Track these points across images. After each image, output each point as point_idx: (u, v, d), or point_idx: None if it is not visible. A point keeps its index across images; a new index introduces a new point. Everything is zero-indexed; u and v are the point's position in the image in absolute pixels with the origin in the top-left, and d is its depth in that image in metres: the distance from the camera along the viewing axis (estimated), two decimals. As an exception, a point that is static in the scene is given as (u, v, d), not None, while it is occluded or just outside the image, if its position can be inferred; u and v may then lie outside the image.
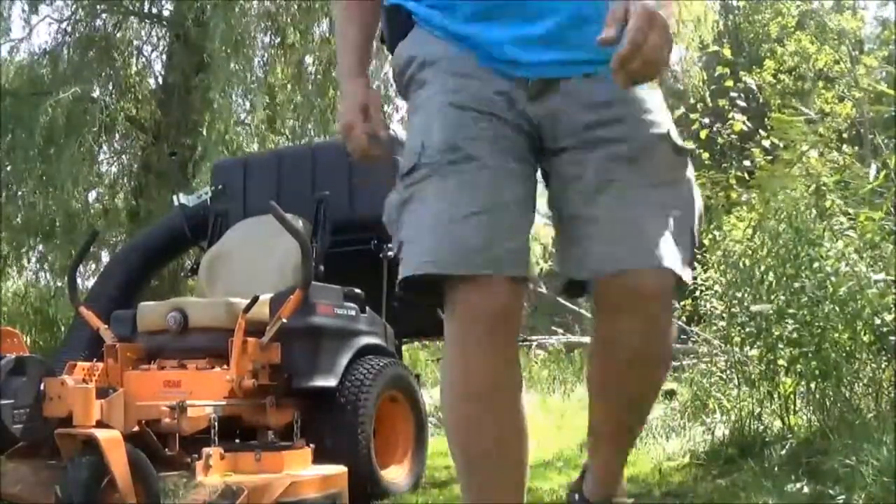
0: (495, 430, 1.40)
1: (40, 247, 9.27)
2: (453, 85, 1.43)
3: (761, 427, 3.67)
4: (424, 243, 1.37)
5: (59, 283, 8.92)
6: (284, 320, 3.29)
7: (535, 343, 9.35)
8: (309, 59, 9.45)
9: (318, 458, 3.16)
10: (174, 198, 5.20)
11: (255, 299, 3.28)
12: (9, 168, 8.37)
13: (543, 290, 8.08)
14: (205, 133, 7.86)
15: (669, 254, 1.38)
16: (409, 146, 1.44)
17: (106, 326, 3.67)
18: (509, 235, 1.38)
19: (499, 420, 1.40)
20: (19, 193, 8.54)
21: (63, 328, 8.39)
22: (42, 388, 2.74)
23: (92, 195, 9.43)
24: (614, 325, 1.46)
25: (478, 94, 1.41)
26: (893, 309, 3.20)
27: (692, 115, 5.25)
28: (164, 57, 9.59)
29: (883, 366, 3.35)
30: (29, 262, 9.79)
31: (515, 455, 1.44)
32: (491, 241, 1.35)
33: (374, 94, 1.58)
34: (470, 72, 1.43)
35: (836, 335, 3.30)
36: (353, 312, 3.67)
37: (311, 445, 3.16)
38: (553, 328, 10.20)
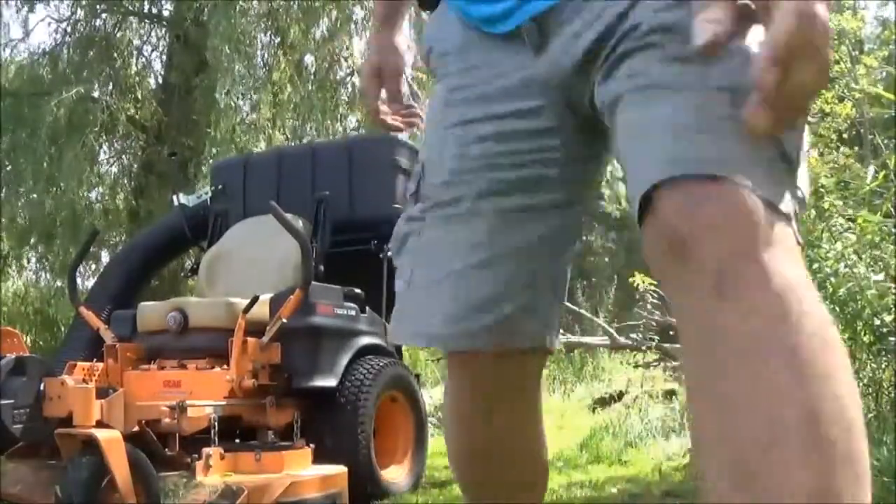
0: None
1: (40, 247, 9.27)
2: (459, 85, 1.19)
3: (761, 427, 3.66)
4: (409, 306, 1.19)
5: (59, 283, 8.92)
6: (284, 320, 3.29)
7: (534, 343, 9.33)
8: (309, 59, 9.46)
9: (318, 458, 3.17)
10: (174, 198, 5.21)
11: (255, 299, 3.29)
12: (9, 168, 8.37)
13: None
14: (212, 132, 7.87)
15: (709, 154, 0.83)
16: (419, 158, 1.23)
17: (106, 326, 3.68)
18: (500, 299, 1.12)
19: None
20: (20, 192, 8.54)
21: (63, 328, 8.38)
22: (42, 388, 2.75)
23: (92, 195, 9.44)
24: (680, 312, 0.86)
25: (485, 95, 1.16)
26: (893, 309, 3.20)
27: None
28: (164, 57, 9.60)
29: (883, 366, 3.35)
30: (29, 262, 9.81)
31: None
32: (472, 310, 1.11)
33: (394, 56, 1.28)
34: (476, 63, 1.17)
35: (836, 335, 3.30)
36: (353, 312, 3.68)
37: (311, 445, 3.17)
38: (553, 328, 10.19)
